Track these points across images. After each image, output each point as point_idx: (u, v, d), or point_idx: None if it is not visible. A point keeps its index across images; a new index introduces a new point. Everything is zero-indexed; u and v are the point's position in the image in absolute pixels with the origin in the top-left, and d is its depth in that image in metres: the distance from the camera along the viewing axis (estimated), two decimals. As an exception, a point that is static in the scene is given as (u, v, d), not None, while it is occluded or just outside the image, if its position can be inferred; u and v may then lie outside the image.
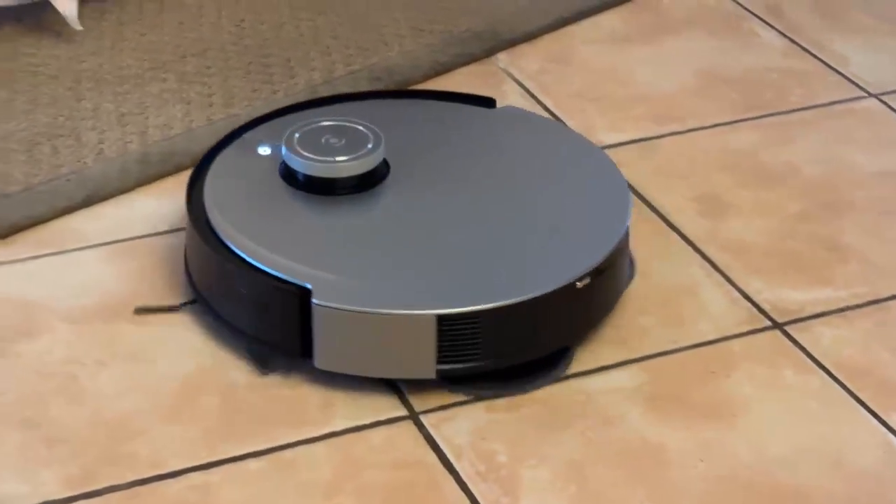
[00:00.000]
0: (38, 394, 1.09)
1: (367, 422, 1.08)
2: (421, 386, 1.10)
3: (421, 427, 1.08)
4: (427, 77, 1.50)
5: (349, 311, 1.07)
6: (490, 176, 1.21)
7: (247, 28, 1.55)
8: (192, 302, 1.16)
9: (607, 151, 1.38)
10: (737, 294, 1.21)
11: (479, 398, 1.09)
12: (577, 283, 1.10)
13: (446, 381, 1.09)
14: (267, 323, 1.10)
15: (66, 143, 1.35)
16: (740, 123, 1.44)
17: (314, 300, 1.07)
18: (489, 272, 1.10)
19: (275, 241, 1.12)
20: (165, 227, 1.26)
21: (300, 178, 1.18)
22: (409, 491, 1.02)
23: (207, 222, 1.15)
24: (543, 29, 1.58)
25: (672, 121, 1.44)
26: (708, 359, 1.14)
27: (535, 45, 1.56)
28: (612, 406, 1.09)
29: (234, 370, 1.11)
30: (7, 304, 1.17)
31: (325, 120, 1.21)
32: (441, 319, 1.06)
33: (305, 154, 1.17)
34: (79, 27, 1.51)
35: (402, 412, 1.09)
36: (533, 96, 1.47)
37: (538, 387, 1.10)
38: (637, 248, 1.24)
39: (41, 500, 1.00)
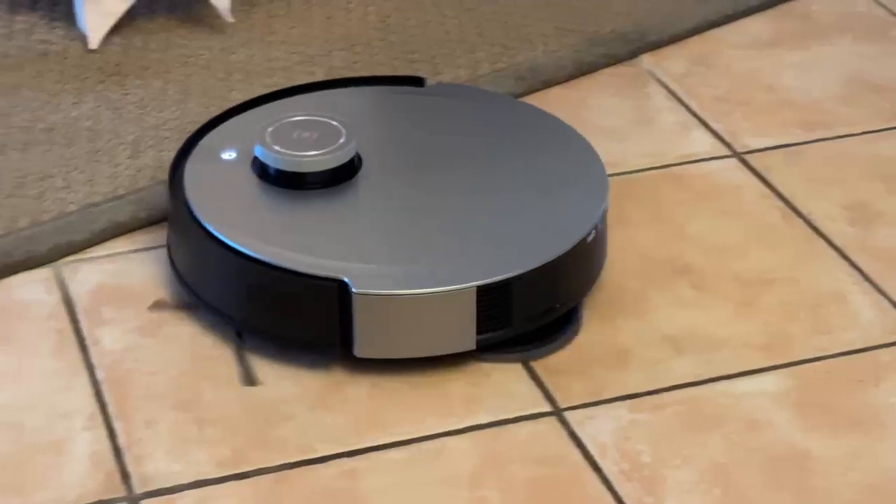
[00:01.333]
0: (191, 376, 1.12)
1: (511, 416, 1.09)
2: (564, 383, 1.11)
3: (565, 424, 1.08)
4: (571, 77, 1.50)
5: (388, 295, 1.10)
6: (465, 153, 1.24)
7: (393, 24, 1.57)
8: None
9: (752, 156, 1.38)
10: (886, 303, 1.20)
11: (516, 360, 1.13)
12: (587, 239, 1.15)
13: (481, 352, 1.14)
14: (303, 320, 1.12)
15: (217, 133, 1.38)
16: (891, 131, 1.42)
17: (353, 289, 1.10)
18: (506, 241, 1.15)
19: (296, 242, 1.14)
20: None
21: (278, 174, 1.19)
22: (552, 487, 1.03)
23: (208, 233, 1.15)
24: (689, 32, 1.57)
25: (820, 127, 1.43)
26: (856, 367, 1.13)
27: (680, 48, 1.55)
28: (757, 411, 1.09)
29: (381, 362, 1.13)
30: (160, 282, 1.20)
31: (294, 115, 1.23)
32: (480, 291, 1.11)
33: (283, 150, 1.19)
34: (230, 19, 1.54)
35: (547, 408, 1.09)
36: (678, 98, 1.47)
37: (559, 347, 1.14)
38: (782, 252, 1.24)
39: (193, 479, 1.02)
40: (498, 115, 1.30)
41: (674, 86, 1.49)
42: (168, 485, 1.02)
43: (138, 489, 1.02)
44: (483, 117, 1.30)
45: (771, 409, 1.09)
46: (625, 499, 1.01)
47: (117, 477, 1.02)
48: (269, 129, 1.21)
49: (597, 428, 1.08)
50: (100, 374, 1.11)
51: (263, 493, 1.02)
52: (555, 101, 1.46)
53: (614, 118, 1.44)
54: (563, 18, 1.58)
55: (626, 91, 1.48)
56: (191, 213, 1.17)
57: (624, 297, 1.21)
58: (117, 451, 1.04)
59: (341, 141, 1.21)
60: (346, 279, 1.10)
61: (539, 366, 1.13)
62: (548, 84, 1.49)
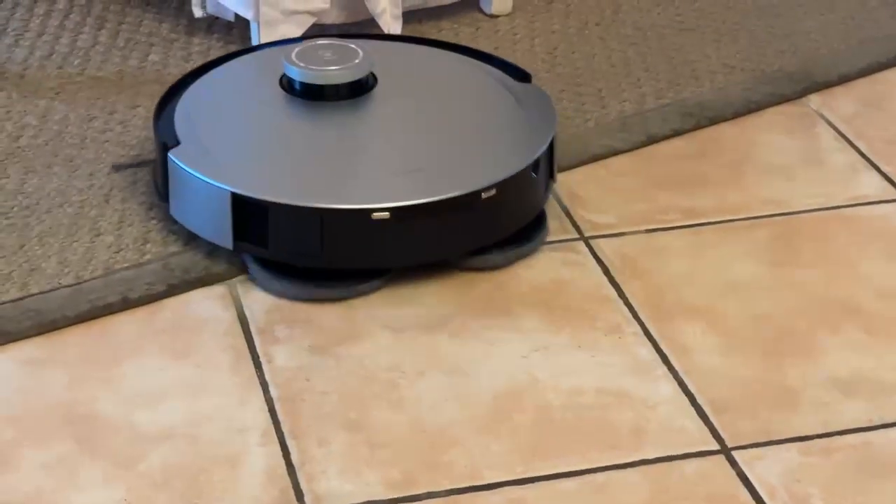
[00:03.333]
0: (361, 397, 1.14)
1: (679, 452, 1.08)
2: (732, 421, 1.11)
3: (733, 463, 1.08)
4: (738, 115, 1.49)
5: (174, 164, 1.25)
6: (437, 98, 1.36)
7: (559, 57, 1.58)
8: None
9: (923, 200, 1.37)
10: None
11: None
12: (373, 215, 1.21)
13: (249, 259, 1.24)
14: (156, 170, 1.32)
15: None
16: None
17: (170, 153, 1.25)
18: (304, 176, 1.24)
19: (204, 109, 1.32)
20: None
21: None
22: (721, 525, 1.03)
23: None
24: (858, 72, 1.56)
25: None
26: None
27: (848, 88, 1.54)
28: (931, 459, 1.08)
29: (550, 391, 1.14)
30: (331, 305, 1.23)
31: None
32: (234, 197, 1.21)
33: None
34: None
35: (715, 446, 1.09)
36: (846, 139, 1.45)
37: (529, 252, 1.25)
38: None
39: (365, 500, 1.04)
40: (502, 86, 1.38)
41: (842, 126, 1.48)
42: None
43: (311, 506, 1.04)
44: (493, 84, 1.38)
45: (945, 457, 1.08)
46: (795, 541, 1.01)
47: (291, 493, 1.04)
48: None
49: (766, 469, 1.07)
50: (273, 392, 1.13)
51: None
52: (722, 139, 1.46)
53: (783, 157, 1.43)
54: (731, 56, 1.58)
55: (794, 130, 1.47)
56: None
57: (792, 338, 1.20)
58: (291, 468, 1.07)
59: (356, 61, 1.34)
60: (179, 140, 1.27)
61: (706, 403, 1.13)
62: (714, 121, 1.48)
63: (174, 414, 1.11)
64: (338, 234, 1.21)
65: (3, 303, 1.19)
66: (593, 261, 1.28)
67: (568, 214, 1.34)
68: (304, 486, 1.05)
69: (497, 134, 1.33)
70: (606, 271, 1.27)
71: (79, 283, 1.22)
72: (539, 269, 1.27)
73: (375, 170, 1.27)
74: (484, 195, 1.23)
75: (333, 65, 1.32)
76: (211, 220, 1.23)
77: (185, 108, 1.32)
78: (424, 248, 1.24)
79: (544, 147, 1.30)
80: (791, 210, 1.35)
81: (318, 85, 1.32)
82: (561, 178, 1.39)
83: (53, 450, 1.07)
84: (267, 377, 1.15)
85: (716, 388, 1.14)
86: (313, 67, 1.32)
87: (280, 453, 1.08)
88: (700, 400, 1.13)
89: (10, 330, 1.17)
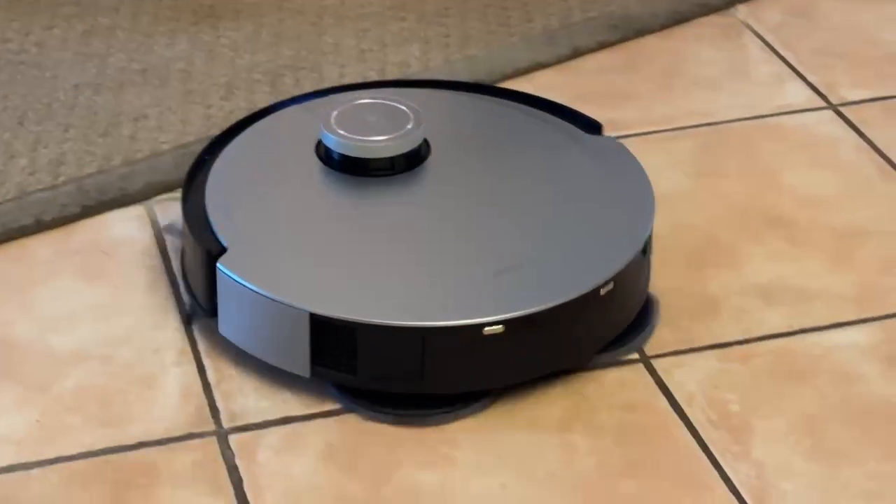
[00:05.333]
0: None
1: (598, 362, 1.08)
2: (653, 331, 1.11)
3: (652, 372, 1.08)
4: (664, 27, 1.48)
5: (239, 283, 1.04)
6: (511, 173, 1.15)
7: (485, -29, 1.56)
8: None
9: (849, 109, 1.36)
10: (984, 258, 1.18)
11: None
12: (484, 329, 1.00)
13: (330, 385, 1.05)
14: (191, 280, 1.10)
15: (308, 76, 1.38)
16: None
17: (219, 263, 1.05)
18: (398, 287, 1.04)
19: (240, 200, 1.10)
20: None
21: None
22: (639, 433, 1.02)
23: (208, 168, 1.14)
24: (786, -18, 1.55)
25: (919, 80, 1.40)
26: (951, 322, 1.12)
27: (776, -1, 1.53)
28: (848, 363, 1.07)
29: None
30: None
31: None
32: (314, 319, 1.02)
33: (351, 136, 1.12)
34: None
35: (634, 355, 1.09)
36: (773, 50, 1.44)
37: (437, 422, 1.02)
38: (878, 205, 1.22)
39: (281, 416, 1.03)
40: (581, 155, 1.17)
41: (769, 37, 1.47)
42: (256, 420, 1.03)
43: (227, 424, 1.03)
44: (571, 155, 1.17)
45: (862, 361, 1.08)
46: (711, 447, 1.01)
47: (206, 411, 1.03)
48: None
49: (685, 376, 1.07)
50: (189, 310, 1.12)
51: (350, 433, 1.03)
52: (648, 51, 1.44)
53: (709, 68, 1.42)
54: (658, -33, 1.57)
55: (720, 41, 1.46)
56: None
57: (715, 247, 1.20)
58: (206, 387, 1.06)
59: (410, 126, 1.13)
60: (224, 244, 1.06)
61: (627, 314, 1.13)
62: (641, 33, 1.47)
63: (89, 336, 1.09)
64: (442, 354, 1.02)
65: (-86, 228, 1.17)
66: (516, 175, 1.27)
67: (492, 129, 1.33)
68: (219, 403, 1.04)
69: (593, 208, 1.11)
70: (529, 185, 1.26)
71: (-9, 207, 1.20)
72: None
73: (469, 270, 1.05)
74: (602, 291, 1.04)
75: (383, 132, 1.12)
76: (279, 343, 1.04)
77: (217, 195, 1.11)
78: (539, 360, 1.04)
79: (650, 221, 1.09)
80: (716, 120, 1.34)
81: (372, 158, 1.12)
82: (486, 93, 1.37)
83: (-35, 374, 1.06)
84: (183, 296, 1.13)
85: (636, 298, 1.14)
86: (362, 138, 1.12)
87: (196, 372, 1.07)
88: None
89: (-81, 254, 1.15)
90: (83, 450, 1.00)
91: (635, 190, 1.13)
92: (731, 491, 0.98)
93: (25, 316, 1.11)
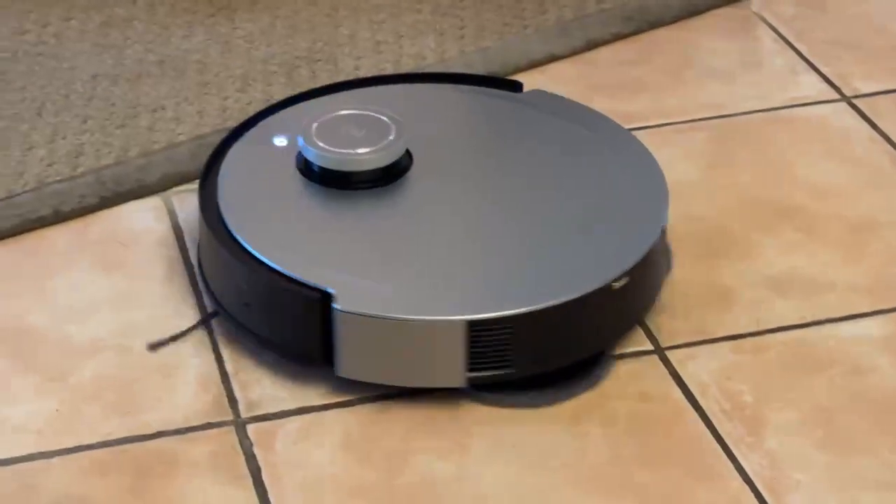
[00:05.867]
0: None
1: (612, 353, 1.09)
2: (666, 322, 1.11)
3: (666, 363, 1.08)
4: (678, 18, 1.49)
5: (372, 316, 1.01)
6: (519, 168, 1.15)
7: (499, -37, 1.57)
8: (212, 315, 1.10)
9: (862, 100, 1.36)
10: None
11: (514, 404, 1.04)
12: (614, 285, 1.04)
13: (475, 389, 1.04)
14: (284, 328, 1.05)
15: (323, 68, 1.39)
16: None
17: (336, 305, 1.02)
18: (524, 274, 1.05)
19: (294, 242, 1.06)
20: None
21: (317, 171, 1.11)
22: (653, 423, 1.03)
23: (223, 222, 1.09)
24: (799, -26, 1.56)
25: (932, 72, 1.41)
26: (964, 314, 1.12)
27: (790, -10, 1.54)
28: (861, 355, 1.08)
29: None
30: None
31: (344, 109, 1.14)
32: (472, 325, 1.01)
33: (323, 146, 1.11)
34: (337, -44, 1.55)
35: (648, 346, 1.10)
36: (787, 42, 1.45)
37: (575, 395, 1.04)
38: (891, 197, 1.22)
39: (298, 406, 1.04)
40: (576, 134, 1.18)
41: (783, 28, 1.47)
42: (274, 410, 1.04)
43: (245, 413, 1.04)
44: (556, 131, 1.19)
45: (875, 353, 1.08)
46: (725, 437, 1.02)
47: (224, 400, 1.04)
48: (316, 122, 1.13)
49: (698, 367, 1.08)
50: (207, 300, 1.13)
51: (367, 422, 1.04)
52: (662, 43, 1.45)
53: (722, 60, 1.42)
54: (672, -41, 1.57)
55: (734, 33, 1.46)
56: (215, 197, 1.10)
57: (727, 238, 1.20)
58: (224, 376, 1.07)
59: (390, 138, 1.12)
60: (331, 291, 1.02)
61: (641, 305, 1.14)
62: (655, 25, 1.47)
63: (107, 326, 1.10)
64: (584, 322, 1.04)
65: (-65, 218, 1.18)
66: (531, 166, 1.28)
67: (506, 121, 1.34)
68: (237, 393, 1.05)
69: (600, 196, 1.12)
70: (544, 177, 1.27)
71: (10, 197, 1.21)
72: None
73: (560, 237, 1.08)
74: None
75: (365, 144, 1.11)
76: (426, 363, 1.03)
77: (270, 235, 1.07)
78: (646, 305, 1.10)
79: (665, 208, 1.11)
80: (729, 113, 1.35)
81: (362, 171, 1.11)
82: (500, 84, 1.38)
83: (-15, 363, 1.07)
84: (202, 286, 1.14)
85: (650, 289, 1.15)
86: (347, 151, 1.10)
87: (213, 362, 1.08)
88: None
89: (-61, 245, 1.16)
90: (102, 439, 1.01)
91: (639, 167, 1.15)
92: (745, 481, 0.98)
93: (44, 306, 1.12)
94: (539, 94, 1.23)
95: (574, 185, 1.13)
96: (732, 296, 1.14)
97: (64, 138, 1.28)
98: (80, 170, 1.25)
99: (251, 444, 1.01)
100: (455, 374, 1.03)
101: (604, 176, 1.14)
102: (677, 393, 1.06)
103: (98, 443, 1.01)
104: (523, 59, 1.41)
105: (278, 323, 1.05)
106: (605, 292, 1.04)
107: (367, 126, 1.13)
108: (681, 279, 1.15)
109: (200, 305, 1.12)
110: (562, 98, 1.23)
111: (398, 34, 1.45)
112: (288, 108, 1.21)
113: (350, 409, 1.04)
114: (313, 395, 1.05)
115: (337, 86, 1.24)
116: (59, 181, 1.23)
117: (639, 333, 1.11)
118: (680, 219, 1.21)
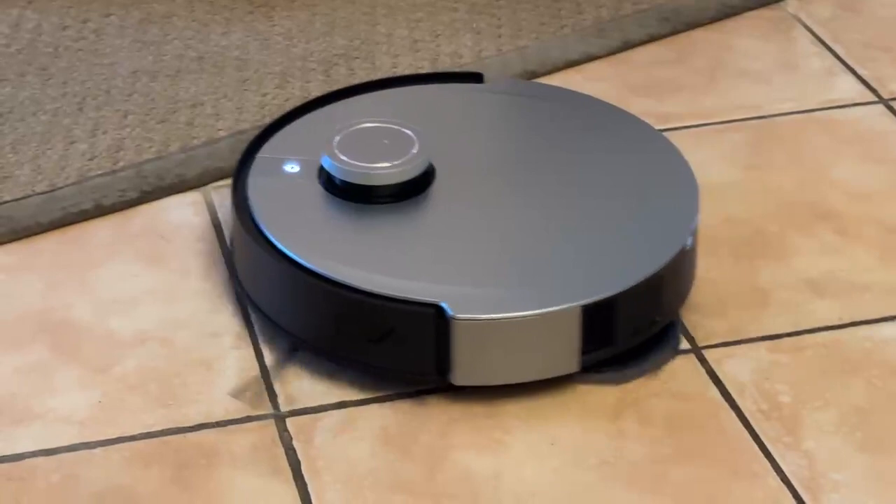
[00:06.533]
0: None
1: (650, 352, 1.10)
2: (703, 321, 1.12)
3: (703, 361, 1.09)
4: (714, 19, 1.49)
5: (489, 320, 1.02)
6: (542, 158, 1.16)
7: (536, -37, 1.58)
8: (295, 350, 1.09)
9: (899, 103, 1.37)
10: None
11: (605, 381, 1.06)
12: (686, 246, 1.08)
13: (586, 372, 1.06)
14: (398, 348, 1.04)
15: (361, 66, 1.40)
16: None
17: (452, 314, 1.02)
18: (604, 254, 1.07)
19: (383, 263, 1.06)
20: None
21: (346, 186, 1.11)
22: (690, 422, 1.03)
23: (286, 257, 1.07)
24: (836, -24, 1.56)
25: (969, 75, 1.41)
26: None
27: (826, -7, 1.54)
28: (899, 356, 1.09)
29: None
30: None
31: (365, 122, 1.15)
32: (585, 310, 1.04)
33: (356, 163, 1.10)
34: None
35: (685, 346, 1.10)
36: (823, 43, 1.45)
37: (659, 364, 1.07)
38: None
39: (337, 400, 1.05)
40: (569, 114, 1.21)
41: (819, 30, 1.48)
42: (313, 404, 1.05)
43: (284, 407, 1.05)
44: (554, 117, 1.21)
45: (913, 355, 1.09)
46: (762, 437, 1.02)
47: (265, 395, 1.05)
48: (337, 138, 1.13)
49: (736, 367, 1.08)
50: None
51: (405, 417, 1.04)
52: (698, 44, 1.45)
53: (758, 62, 1.43)
54: (708, -40, 1.57)
55: (770, 35, 1.47)
56: (264, 237, 1.08)
57: (763, 240, 1.21)
58: (264, 371, 1.08)
59: (414, 152, 1.12)
60: (443, 304, 1.03)
61: (678, 304, 1.14)
62: (691, 26, 1.48)
63: (148, 318, 1.11)
64: (670, 288, 1.08)
65: (-22, 210, 1.19)
66: (567, 166, 1.29)
67: (543, 120, 1.34)
68: (277, 387, 1.06)
69: (636, 190, 1.14)
70: (580, 176, 1.27)
71: (52, 191, 1.22)
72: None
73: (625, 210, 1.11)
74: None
75: (388, 158, 1.11)
76: (546, 354, 1.04)
77: (343, 271, 1.05)
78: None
79: (696, 207, 1.12)
80: (765, 114, 1.35)
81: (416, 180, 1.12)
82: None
83: (28, 355, 1.08)
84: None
85: (687, 289, 1.15)
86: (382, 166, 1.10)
87: (253, 356, 1.09)
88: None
89: (-17, 237, 1.18)
90: (144, 430, 1.02)
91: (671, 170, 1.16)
92: (782, 480, 0.99)
93: (86, 298, 1.13)
94: (509, 81, 1.27)
95: (599, 178, 1.15)
96: (769, 296, 1.14)
97: (105, 133, 1.30)
98: (120, 164, 1.26)
99: (290, 438, 1.02)
100: (570, 359, 1.05)
101: (629, 166, 1.16)
102: (714, 392, 1.06)
103: (140, 434, 1.02)
104: (560, 59, 1.42)
105: (388, 346, 1.04)
106: (681, 256, 1.07)
107: (389, 138, 1.13)
108: (718, 279, 1.16)
109: (241, 305, 1.13)
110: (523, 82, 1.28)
111: (435, 33, 1.46)
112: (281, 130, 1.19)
113: (388, 403, 1.05)
114: (351, 389, 1.06)
115: (331, 96, 1.23)
116: (101, 175, 1.24)
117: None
118: (716, 220, 1.22)
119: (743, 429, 1.03)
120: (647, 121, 1.22)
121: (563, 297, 1.04)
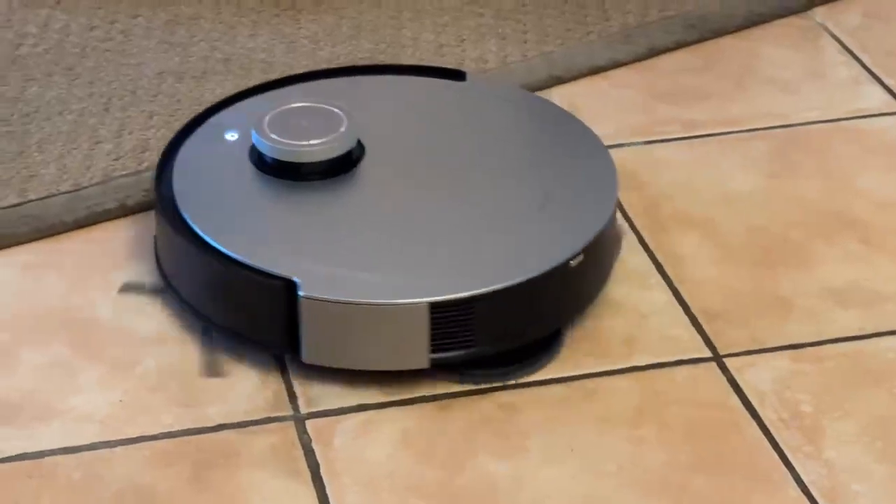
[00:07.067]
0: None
1: (670, 359, 1.09)
2: (724, 329, 1.11)
3: (724, 370, 1.08)
4: (741, 27, 1.49)
5: (337, 302, 1.03)
6: (469, 153, 1.17)
7: (563, -31, 1.58)
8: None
9: (925, 113, 1.36)
10: None
11: (473, 384, 1.06)
12: (571, 262, 1.07)
13: (438, 369, 1.06)
14: (250, 318, 1.06)
15: (387, 69, 1.41)
16: None
17: (301, 293, 1.03)
18: (484, 255, 1.07)
19: (255, 234, 1.08)
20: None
21: (270, 162, 1.13)
22: (710, 430, 1.03)
23: (179, 214, 1.10)
24: (864, -15, 1.55)
25: None
26: None
27: (854, 1, 1.53)
28: (922, 367, 1.08)
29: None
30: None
31: (295, 102, 1.16)
32: (433, 307, 1.03)
33: (275, 138, 1.12)
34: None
35: (706, 353, 1.10)
36: (851, 53, 1.44)
37: (535, 370, 1.07)
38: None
39: (357, 403, 1.05)
40: (518, 115, 1.23)
41: (847, 39, 1.47)
42: (333, 406, 1.05)
43: (304, 409, 1.05)
44: (503, 117, 1.22)
45: (936, 366, 1.08)
46: (783, 446, 1.02)
47: (284, 395, 1.06)
48: (268, 115, 1.14)
49: (757, 376, 1.08)
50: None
51: (425, 421, 1.05)
52: (725, 51, 1.45)
53: (785, 70, 1.42)
54: (736, -32, 1.57)
55: (798, 43, 1.46)
56: (174, 205, 1.11)
57: (787, 248, 1.20)
58: (284, 371, 1.08)
59: (341, 129, 1.13)
60: (295, 279, 1.04)
61: (699, 311, 1.13)
62: (718, 34, 1.48)
63: (168, 319, 1.12)
64: (544, 300, 1.07)
65: (2, 208, 1.20)
66: (591, 172, 1.29)
67: (567, 126, 1.34)
68: (297, 388, 1.06)
69: (551, 170, 1.16)
70: (604, 182, 1.27)
71: (77, 190, 1.23)
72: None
73: (515, 218, 1.10)
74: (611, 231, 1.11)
75: (317, 136, 1.13)
76: (390, 346, 1.05)
77: (226, 239, 1.07)
78: (601, 281, 1.13)
79: (615, 187, 1.14)
80: (791, 122, 1.35)
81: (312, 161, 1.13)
82: (562, 89, 1.38)
83: (50, 353, 1.08)
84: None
85: (709, 297, 1.15)
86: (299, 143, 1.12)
87: (272, 358, 1.09)
88: (693, 309, 1.13)
89: (8, 235, 1.18)
90: (165, 430, 1.02)
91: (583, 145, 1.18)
92: (802, 490, 0.98)
93: (109, 297, 1.14)
94: (482, 81, 1.28)
95: (523, 169, 1.16)
96: (792, 305, 1.14)
97: (130, 133, 1.30)
98: (145, 164, 1.26)
99: (310, 440, 1.02)
100: (420, 355, 1.05)
101: (553, 159, 1.17)
102: (735, 401, 1.06)
103: (161, 434, 1.02)
104: (586, 65, 1.42)
105: (243, 313, 1.07)
106: (562, 271, 1.06)
107: (319, 118, 1.15)
108: (740, 288, 1.16)
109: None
110: (507, 86, 1.28)
111: (460, 37, 1.46)
112: (243, 101, 1.22)
113: (407, 407, 1.05)
114: (371, 392, 1.06)
115: (285, 80, 1.26)
116: (126, 175, 1.25)
117: (697, 340, 1.11)
118: (740, 227, 1.21)
119: (763, 438, 1.03)
120: (672, 128, 1.22)
121: (415, 290, 1.04)
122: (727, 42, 1.47)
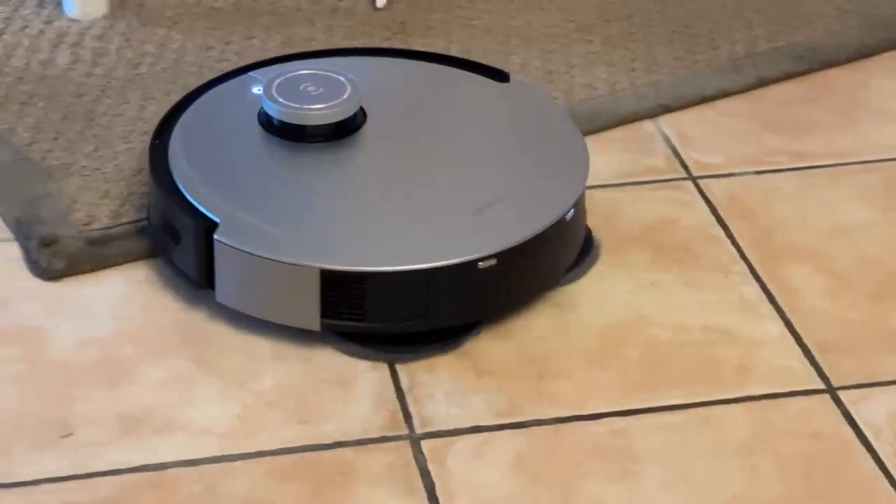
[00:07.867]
0: (469, 326, 1.16)
1: (783, 390, 1.09)
2: (838, 362, 1.11)
3: (838, 402, 1.08)
4: (850, 59, 1.48)
5: (242, 251, 1.10)
6: (457, 142, 1.22)
7: (670, -2, 1.58)
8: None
9: None
10: None
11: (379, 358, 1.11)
12: (480, 264, 1.09)
13: (342, 337, 1.11)
14: (184, 251, 1.14)
15: (496, 95, 1.42)
16: None
17: (216, 236, 1.11)
18: (398, 237, 1.11)
19: (231, 184, 1.15)
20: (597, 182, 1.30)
21: (262, 119, 1.20)
22: (825, 463, 1.03)
23: (165, 150, 1.19)
24: (976, 19, 1.54)
25: None
26: None
27: (964, 35, 1.52)
28: None
29: (656, 327, 1.15)
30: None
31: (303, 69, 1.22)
32: (325, 273, 1.08)
33: (281, 101, 1.18)
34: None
35: (820, 385, 1.10)
36: (961, 87, 1.44)
37: (431, 354, 1.11)
38: None
39: (471, 425, 1.06)
40: (523, 115, 1.26)
41: (958, 73, 1.47)
42: (447, 427, 1.07)
43: (419, 429, 1.06)
44: (512, 115, 1.26)
45: None
46: (899, 481, 1.02)
47: (399, 416, 1.07)
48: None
49: (871, 409, 1.07)
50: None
51: (538, 444, 1.05)
52: (834, 83, 1.45)
53: (895, 103, 1.42)
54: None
55: (907, 76, 1.46)
56: (164, 149, 1.19)
57: (899, 282, 1.20)
58: (399, 392, 1.09)
59: (344, 96, 1.19)
60: (217, 221, 1.11)
61: (812, 343, 1.13)
62: (827, 65, 1.48)
63: (287, 335, 1.13)
64: (444, 292, 1.11)
65: (124, 223, 1.22)
66: (701, 200, 1.29)
67: (676, 154, 1.34)
68: (412, 409, 1.08)
69: (525, 144, 1.22)
70: (714, 211, 1.27)
71: (195, 208, 1.25)
72: (647, 207, 1.27)
73: (451, 212, 1.14)
74: (567, 217, 1.15)
75: (321, 100, 1.18)
76: (286, 302, 1.10)
77: (183, 172, 1.16)
78: (527, 287, 1.15)
79: (584, 148, 1.20)
80: (903, 155, 1.35)
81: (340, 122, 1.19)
82: (670, 118, 1.39)
83: (171, 367, 1.10)
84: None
85: (822, 328, 1.15)
86: (301, 106, 1.18)
87: (389, 377, 1.10)
88: (806, 340, 1.13)
89: (131, 250, 1.20)
90: (283, 445, 1.04)
91: (560, 123, 1.24)
92: (919, 525, 0.98)
93: (226, 312, 1.16)
94: (523, 84, 1.31)
95: (498, 161, 1.20)
96: (905, 339, 1.14)
97: (246, 152, 1.32)
98: (260, 184, 1.29)
99: (425, 460, 1.03)
100: (311, 317, 1.10)
101: (530, 158, 1.20)
102: (849, 433, 1.06)
103: (279, 449, 1.04)
104: (694, 94, 1.42)
105: (179, 246, 1.14)
106: (468, 268, 1.09)
107: (324, 85, 1.20)
108: (854, 320, 1.15)
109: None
110: (543, 91, 1.35)
111: (569, 64, 1.47)
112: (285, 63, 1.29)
113: (521, 430, 1.06)
114: (485, 414, 1.07)
115: (336, 51, 1.35)
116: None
117: (810, 372, 1.11)
118: (853, 259, 1.21)
119: (879, 472, 1.02)
120: (781, 158, 1.22)
121: (312, 255, 1.09)
122: (836, 73, 1.47)
